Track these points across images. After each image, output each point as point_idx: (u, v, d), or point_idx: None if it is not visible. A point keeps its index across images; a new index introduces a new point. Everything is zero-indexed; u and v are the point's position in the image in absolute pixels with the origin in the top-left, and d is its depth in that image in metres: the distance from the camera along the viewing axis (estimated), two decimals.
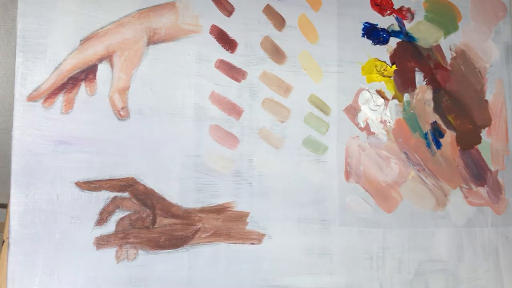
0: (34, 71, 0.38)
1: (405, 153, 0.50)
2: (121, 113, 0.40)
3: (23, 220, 0.36)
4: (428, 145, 0.51)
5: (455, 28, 0.54)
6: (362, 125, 0.49)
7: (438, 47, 0.53)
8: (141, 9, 0.41)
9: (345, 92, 0.48)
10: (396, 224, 0.49)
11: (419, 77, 0.52)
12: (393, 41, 0.51)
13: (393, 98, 0.50)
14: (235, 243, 0.42)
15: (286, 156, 0.45)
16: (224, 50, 0.44)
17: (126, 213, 0.39)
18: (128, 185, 0.39)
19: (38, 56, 0.38)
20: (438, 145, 0.52)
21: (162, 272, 0.40)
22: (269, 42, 0.46)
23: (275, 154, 0.45)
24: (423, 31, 0.52)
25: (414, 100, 0.51)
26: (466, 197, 0.52)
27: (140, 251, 0.39)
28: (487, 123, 0.55)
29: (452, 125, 0.53)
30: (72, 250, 0.37)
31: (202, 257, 0.41)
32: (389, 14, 0.51)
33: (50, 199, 0.37)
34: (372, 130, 0.49)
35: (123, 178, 0.39)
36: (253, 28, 0.45)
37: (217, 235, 0.42)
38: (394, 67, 0.50)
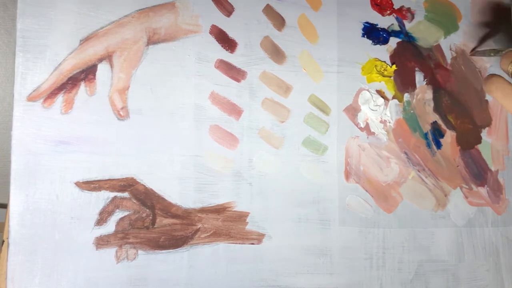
0: (34, 71, 0.38)
1: (405, 153, 0.50)
2: (121, 113, 0.40)
3: (23, 220, 0.36)
4: (428, 145, 0.51)
5: (455, 28, 0.54)
6: (362, 125, 0.49)
7: (438, 47, 0.53)
8: (141, 9, 0.41)
9: (345, 92, 0.48)
10: (396, 224, 0.49)
11: (419, 77, 0.52)
12: (393, 41, 0.51)
13: (393, 98, 0.50)
14: (235, 243, 0.42)
15: (286, 156, 0.45)
16: (224, 50, 0.44)
17: (126, 213, 0.39)
18: (128, 185, 0.39)
19: (38, 56, 0.38)
20: (438, 145, 0.52)
21: (162, 272, 0.40)
22: (269, 42, 0.46)
23: (275, 154, 0.45)
24: (423, 31, 0.52)
25: (414, 100, 0.51)
26: (466, 197, 0.52)
27: (140, 251, 0.39)
28: (487, 123, 0.55)
29: (452, 125, 0.53)
30: (72, 250, 0.37)
31: (202, 257, 0.41)
32: (389, 14, 0.51)
33: (50, 199, 0.37)
34: (372, 130, 0.49)
35: (123, 178, 0.39)
36: (253, 28, 0.45)
37: (217, 235, 0.42)
38: (394, 67, 0.50)
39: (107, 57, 0.40)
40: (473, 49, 0.54)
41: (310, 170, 0.46)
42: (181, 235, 0.40)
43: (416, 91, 0.52)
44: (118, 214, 0.39)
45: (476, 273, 0.52)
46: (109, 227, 0.39)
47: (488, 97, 0.55)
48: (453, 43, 0.54)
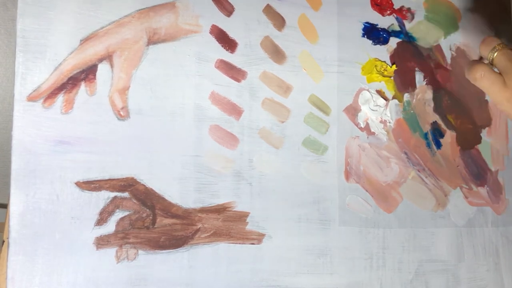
0: (34, 71, 0.38)
1: (405, 153, 0.50)
2: (121, 113, 0.40)
3: (23, 220, 0.36)
4: (428, 145, 0.51)
5: (455, 28, 0.54)
6: (362, 125, 0.49)
7: (438, 47, 0.53)
8: (141, 9, 0.41)
9: (345, 92, 0.48)
10: (396, 224, 0.49)
11: (419, 77, 0.52)
12: (393, 41, 0.51)
13: (393, 98, 0.50)
14: (235, 243, 0.42)
15: (286, 156, 0.45)
16: (224, 50, 0.44)
17: (126, 213, 0.39)
18: (128, 185, 0.39)
19: (38, 56, 0.38)
20: (438, 145, 0.52)
21: (162, 272, 0.40)
22: (269, 42, 0.46)
23: (275, 154, 0.45)
24: (423, 31, 0.52)
25: (414, 100, 0.51)
26: (466, 197, 0.52)
27: (140, 251, 0.39)
28: (487, 123, 0.55)
29: (452, 125, 0.53)
30: (72, 250, 0.37)
31: (202, 257, 0.41)
32: (389, 14, 0.51)
33: (50, 199, 0.37)
34: (372, 130, 0.49)
35: (123, 178, 0.39)
36: (253, 28, 0.45)
37: (217, 235, 0.42)
38: (394, 67, 0.50)
39: (108, 57, 0.40)
40: None
41: (310, 170, 0.46)
42: (181, 235, 0.40)
43: (416, 91, 0.52)
44: (118, 214, 0.39)
45: (476, 273, 0.52)
46: (109, 227, 0.39)
47: (487, 97, 0.55)
48: (453, 43, 0.54)
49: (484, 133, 0.54)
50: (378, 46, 0.50)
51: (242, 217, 0.43)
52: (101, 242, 0.38)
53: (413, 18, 0.52)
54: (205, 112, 0.43)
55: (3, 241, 0.37)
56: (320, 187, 0.46)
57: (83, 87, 0.39)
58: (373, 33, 0.50)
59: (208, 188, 0.42)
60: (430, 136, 0.52)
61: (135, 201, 0.39)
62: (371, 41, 0.50)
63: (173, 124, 0.42)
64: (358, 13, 0.50)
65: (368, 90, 0.49)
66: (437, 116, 0.52)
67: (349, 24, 0.49)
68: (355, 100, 0.49)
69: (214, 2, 0.44)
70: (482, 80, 0.41)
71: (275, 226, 0.44)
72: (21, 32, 0.38)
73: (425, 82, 0.52)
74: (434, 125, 0.52)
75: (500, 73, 0.40)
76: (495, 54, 0.41)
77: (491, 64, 0.41)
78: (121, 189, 0.39)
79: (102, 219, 0.38)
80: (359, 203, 0.48)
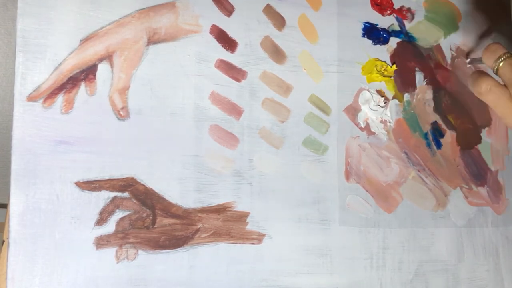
0: (34, 71, 0.38)
1: (405, 153, 0.50)
2: (121, 113, 0.40)
3: (23, 220, 0.36)
4: (428, 145, 0.51)
5: (455, 28, 0.54)
6: (362, 125, 0.49)
7: (438, 47, 0.53)
8: (141, 9, 0.41)
9: (345, 92, 0.48)
10: (396, 224, 0.49)
11: (419, 77, 0.52)
12: (393, 41, 0.51)
13: (393, 98, 0.50)
14: (235, 243, 0.42)
15: (286, 156, 0.45)
16: (224, 50, 0.44)
17: (126, 213, 0.39)
18: (128, 185, 0.39)
19: (38, 56, 0.38)
20: (438, 145, 0.52)
21: (162, 272, 0.40)
22: (269, 42, 0.46)
23: (275, 154, 0.45)
24: (423, 31, 0.52)
25: (414, 100, 0.51)
26: (466, 197, 0.52)
27: (140, 251, 0.39)
28: (487, 123, 0.55)
29: (452, 125, 0.53)
30: (72, 250, 0.37)
31: (202, 257, 0.41)
32: (389, 14, 0.51)
33: (50, 199, 0.37)
34: (372, 130, 0.49)
35: (123, 178, 0.39)
36: (253, 28, 0.45)
37: (217, 235, 0.42)
38: (394, 67, 0.50)
39: (108, 57, 0.40)
40: (468, 54, 0.54)
41: (310, 170, 0.46)
42: (181, 235, 0.40)
43: (416, 91, 0.52)
44: (118, 214, 0.39)
45: (476, 273, 0.52)
46: (109, 227, 0.39)
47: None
48: (453, 43, 0.54)
49: (484, 133, 0.55)
50: (378, 46, 0.50)
51: (242, 217, 0.43)
52: (101, 242, 0.38)
53: (413, 18, 0.52)
54: (205, 112, 0.43)
55: (3, 241, 0.37)
56: (320, 187, 0.46)
57: (83, 87, 0.39)
58: (373, 33, 0.50)
59: (208, 188, 0.42)
60: (430, 136, 0.52)
61: (135, 201, 0.39)
62: (371, 41, 0.50)
63: (173, 124, 0.42)
64: (358, 13, 0.50)
65: (368, 90, 0.49)
66: (437, 116, 0.52)
67: (349, 24, 0.49)
68: (355, 100, 0.49)
69: (214, 2, 0.44)
70: (488, 94, 0.39)
71: (275, 226, 0.44)
72: (21, 32, 0.38)
73: (425, 82, 0.52)
74: (434, 125, 0.52)
75: (505, 86, 0.39)
76: (501, 64, 0.39)
77: (495, 73, 0.40)
78: (121, 189, 0.39)
79: (102, 219, 0.38)
80: (359, 203, 0.48)
